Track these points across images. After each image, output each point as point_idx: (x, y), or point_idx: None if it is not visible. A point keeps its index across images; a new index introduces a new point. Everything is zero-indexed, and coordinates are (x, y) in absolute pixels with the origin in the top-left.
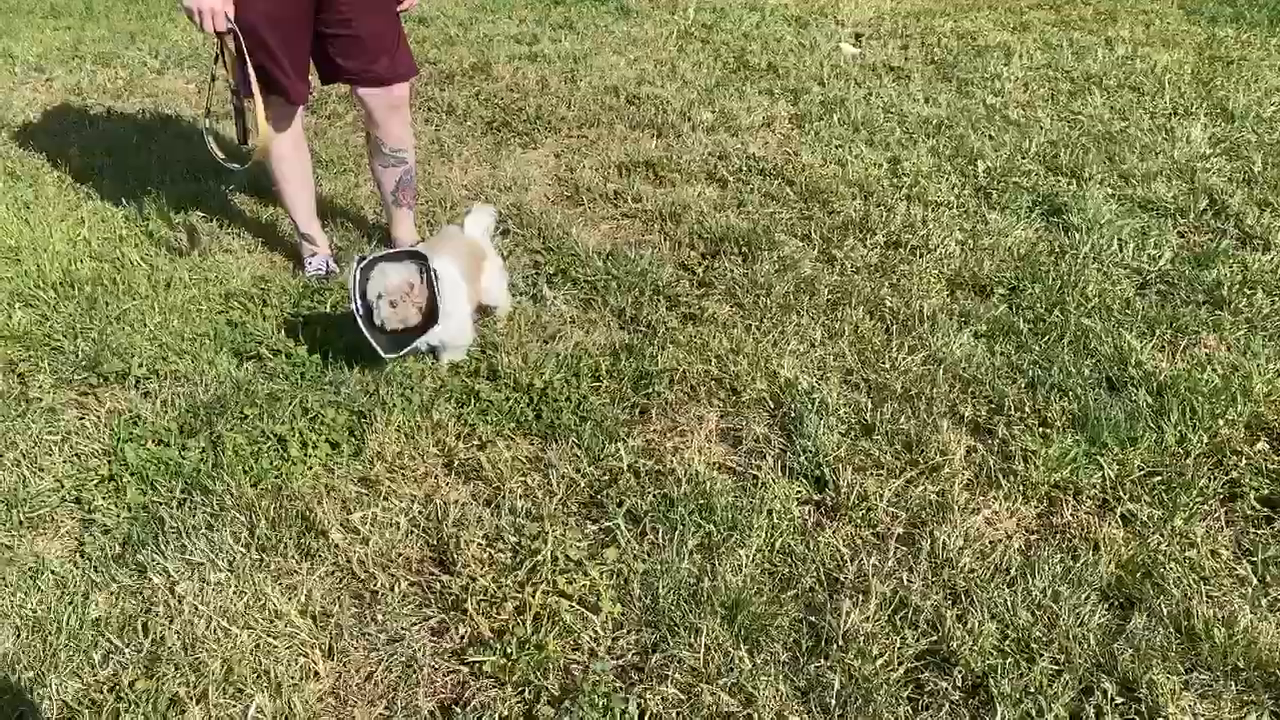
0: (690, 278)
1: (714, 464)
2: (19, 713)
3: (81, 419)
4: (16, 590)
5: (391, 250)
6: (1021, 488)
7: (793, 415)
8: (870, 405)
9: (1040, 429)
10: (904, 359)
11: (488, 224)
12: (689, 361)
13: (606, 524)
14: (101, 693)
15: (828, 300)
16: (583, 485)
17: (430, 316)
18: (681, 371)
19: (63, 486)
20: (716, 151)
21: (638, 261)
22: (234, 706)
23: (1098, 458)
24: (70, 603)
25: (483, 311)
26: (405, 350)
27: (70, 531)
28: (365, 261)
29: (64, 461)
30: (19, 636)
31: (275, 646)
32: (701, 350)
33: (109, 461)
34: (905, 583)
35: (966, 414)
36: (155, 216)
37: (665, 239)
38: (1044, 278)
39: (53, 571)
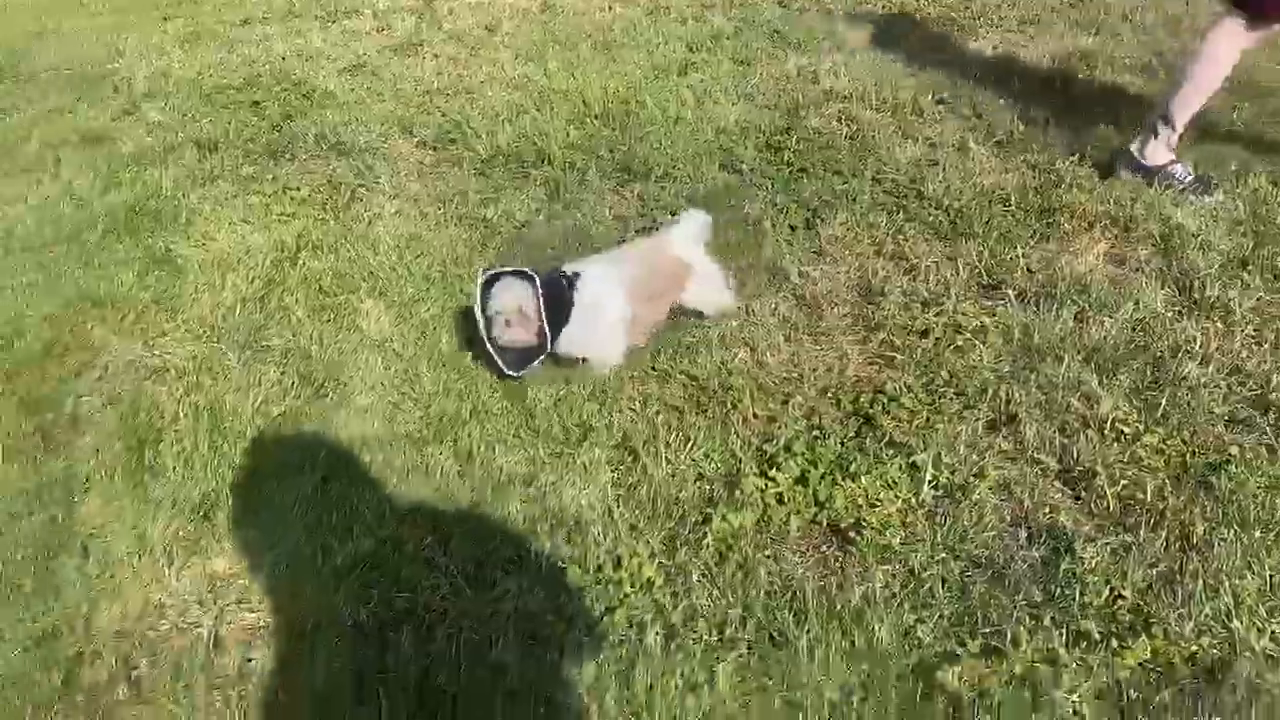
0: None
1: (1095, 270)
2: None
3: (622, 201)
4: None
5: (509, 268)
6: None
7: (1175, 245)
8: (1252, 245)
9: None
10: None
11: (697, 232)
12: (1089, 203)
13: (999, 301)
14: None
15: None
16: (983, 272)
17: (543, 337)
18: (1081, 209)
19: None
20: (1155, 48)
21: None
22: None
23: None
24: None
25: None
26: (525, 370)
27: None
28: (487, 275)
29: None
30: None
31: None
32: (1103, 197)
33: None
34: (1243, 358)
35: None
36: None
37: (1083, 116)
38: None
39: None
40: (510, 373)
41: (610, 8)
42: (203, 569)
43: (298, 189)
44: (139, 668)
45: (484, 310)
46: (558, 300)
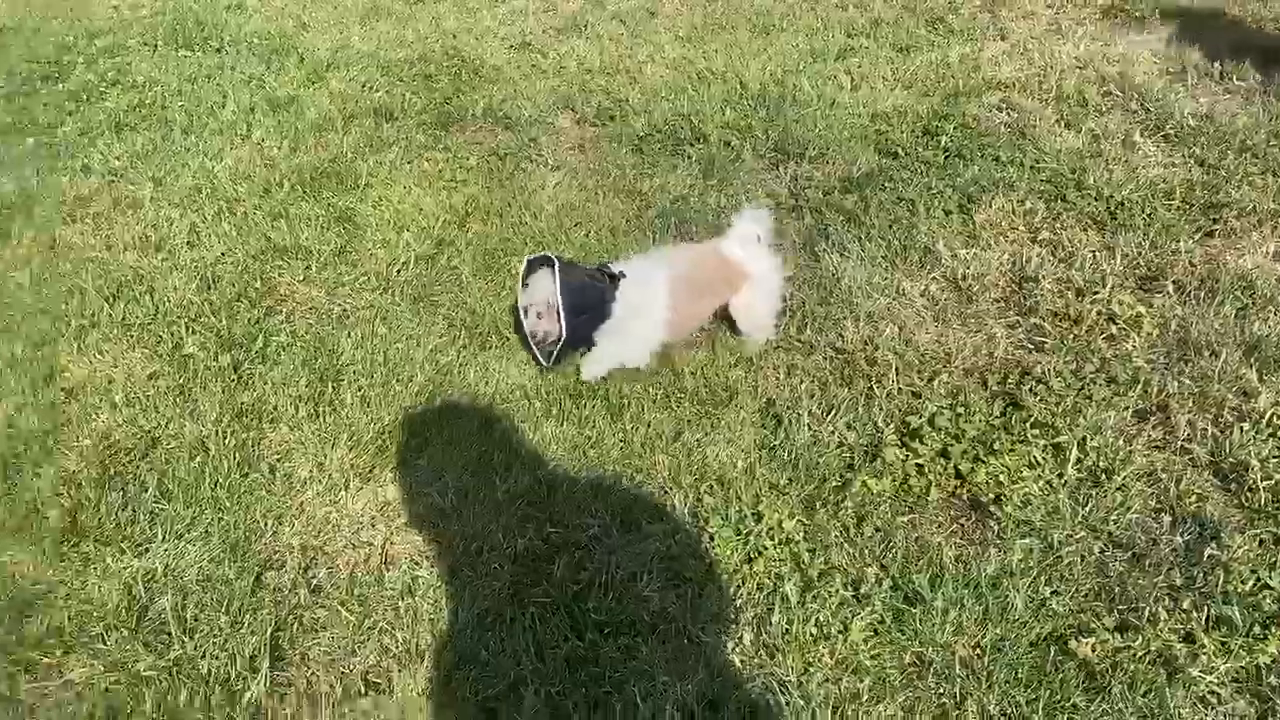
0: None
1: (1262, 268)
2: None
3: (776, 179)
4: None
5: (539, 255)
6: None
7: None
8: None
9: None
10: None
11: (756, 235)
12: (1260, 201)
13: (1157, 293)
14: None
15: None
16: (1141, 264)
17: (558, 326)
18: (1251, 206)
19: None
20: None
21: (1230, 124)
22: None
23: None
24: None
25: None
26: (554, 362)
27: None
28: (527, 266)
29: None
30: None
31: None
32: (1277, 194)
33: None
34: None
35: None
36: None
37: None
38: None
39: None
40: (544, 363)
41: None
42: (375, 495)
43: (467, 158)
44: (318, 577)
45: (521, 303)
46: (587, 293)
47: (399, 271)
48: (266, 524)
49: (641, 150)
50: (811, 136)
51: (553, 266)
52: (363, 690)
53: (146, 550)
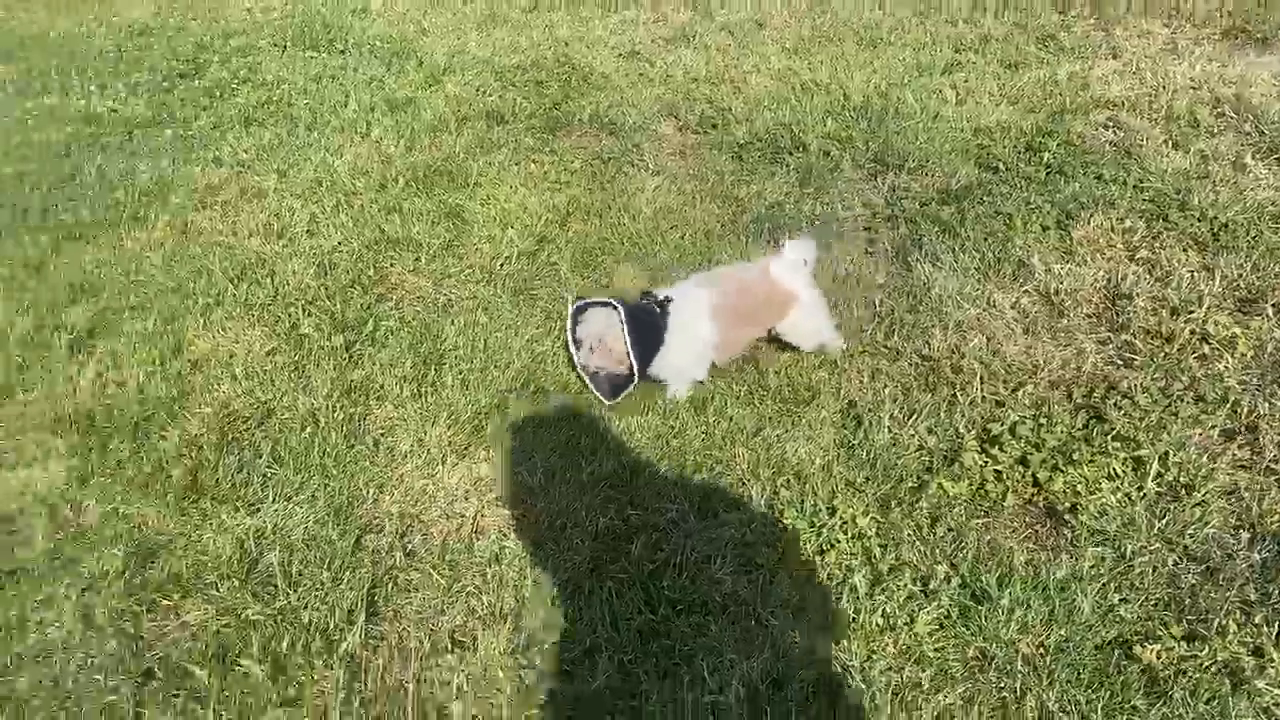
0: None
1: None
2: None
3: (873, 189)
4: None
5: (598, 299)
6: None
7: None
8: None
9: None
10: None
11: (801, 259)
12: None
13: (1255, 315)
14: None
15: None
16: (1241, 286)
17: (631, 369)
18: None
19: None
20: None
21: None
22: None
23: None
24: None
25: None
26: (620, 397)
27: None
28: (578, 305)
29: (860, 213)
30: None
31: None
32: None
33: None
34: None
35: None
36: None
37: None
38: None
39: None
40: (606, 400)
41: (881, 7)
42: (469, 471)
43: (572, 161)
44: (413, 542)
45: (573, 336)
46: (648, 327)
47: (502, 265)
48: (368, 492)
49: (741, 158)
50: (912, 149)
51: (616, 309)
52: (449, 647)
53: (258, 510)
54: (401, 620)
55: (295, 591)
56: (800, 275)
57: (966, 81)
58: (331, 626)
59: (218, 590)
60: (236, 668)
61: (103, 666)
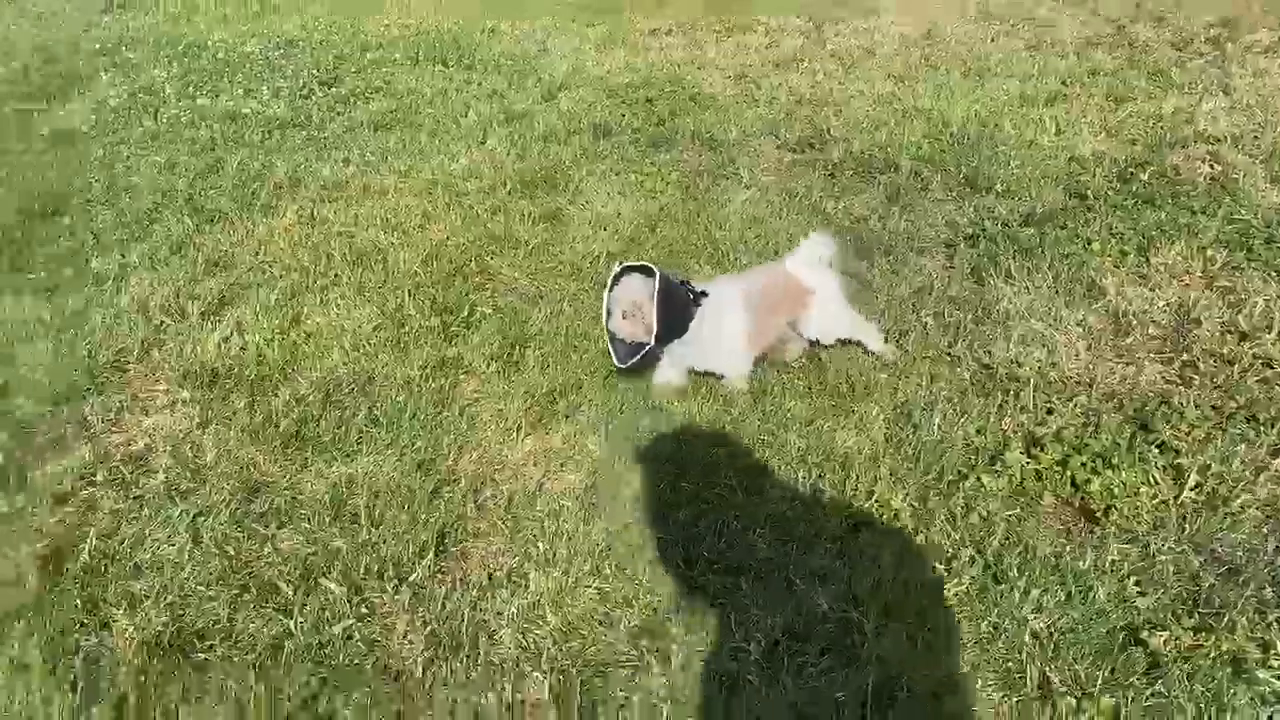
0: None
1: None
2: None
3: (958, 209)
4: None
5: (639, 264)
6: None
7: None
8: None
9: None
10: None
11: (819, 256)
12: None
13: None
14: None
15: None
16: None
17: (649, 333)
18: None
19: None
20: None
21: None
22: None
23: None
24: None
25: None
26: (632, 362)
27: None
28: (620, 268)
29: (941, 229)
30: None
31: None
32: None
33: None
34: None
35: None
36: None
37: None
38: None
39: None
40: (619, 364)
41: (994, 39)
42: (540, 441)
43: (670, 173)
44: (483, 496)
45: (607, 299)
46: (676, 305)
47: (590, 263)
48: (450, 452)
49: (834, 175)
50: (1003, 174)
51: (652, 275)
52: (504, 582)
53: (352, 459)
54: (466, 559)
55: (376, 529)
56: (818, 270)
57: (1068, 113)
58: (405, 560)
59: (309, 524)
60: (319, 586)
61: (205, 579)
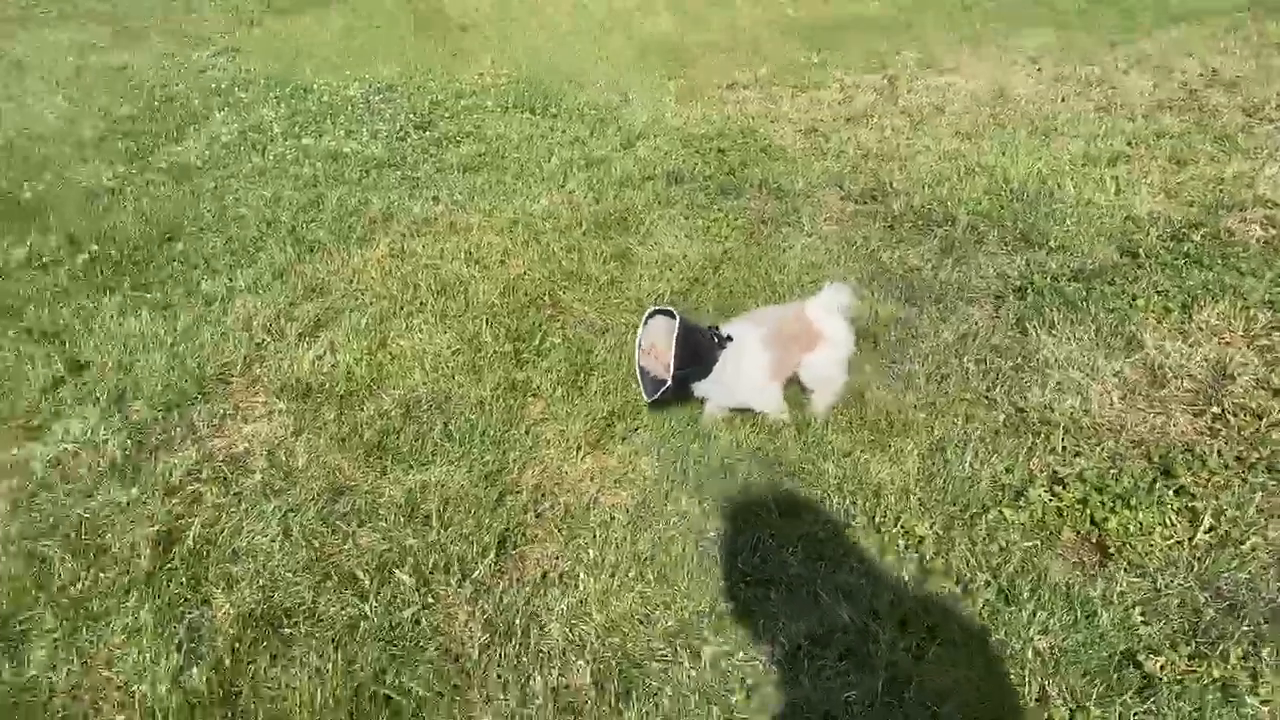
0: None
1: None
2: None
3: (1010, 262)
4: None
5: (664, 307)
6: None
7: None
8: None
9: None
10: None
11: (837, 304)
12: None
13: None
14: None
15: None
16: None
17: (666, 371)
18: None
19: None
20: None
21: None
22: None
23: None
24: None
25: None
26: (655, 397)
27: None
28: (651, 311)
29: (992, 280)
30: None
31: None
32: None
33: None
34: None
35: None
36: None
37: None
38: None
39: None
40: (646, 398)
41: (1063, 99)
42: (598, 460)
43: (736, 219)
44: (543, 507)
45: (639, 337)
46: (696, 346)
47: (655, 300)
48: (515, 466)
49: (893, 227)
50: (1058, 230)
51: (674, 318)
52: (556, 582)
53: (427, 469)
54: (523, 561)
55: (445, 530)
56: (832, 318)
57: (1130, 173)
58: (469, 558)
59: (386, 524)
60: (392, 577)
61: (293, 567)
